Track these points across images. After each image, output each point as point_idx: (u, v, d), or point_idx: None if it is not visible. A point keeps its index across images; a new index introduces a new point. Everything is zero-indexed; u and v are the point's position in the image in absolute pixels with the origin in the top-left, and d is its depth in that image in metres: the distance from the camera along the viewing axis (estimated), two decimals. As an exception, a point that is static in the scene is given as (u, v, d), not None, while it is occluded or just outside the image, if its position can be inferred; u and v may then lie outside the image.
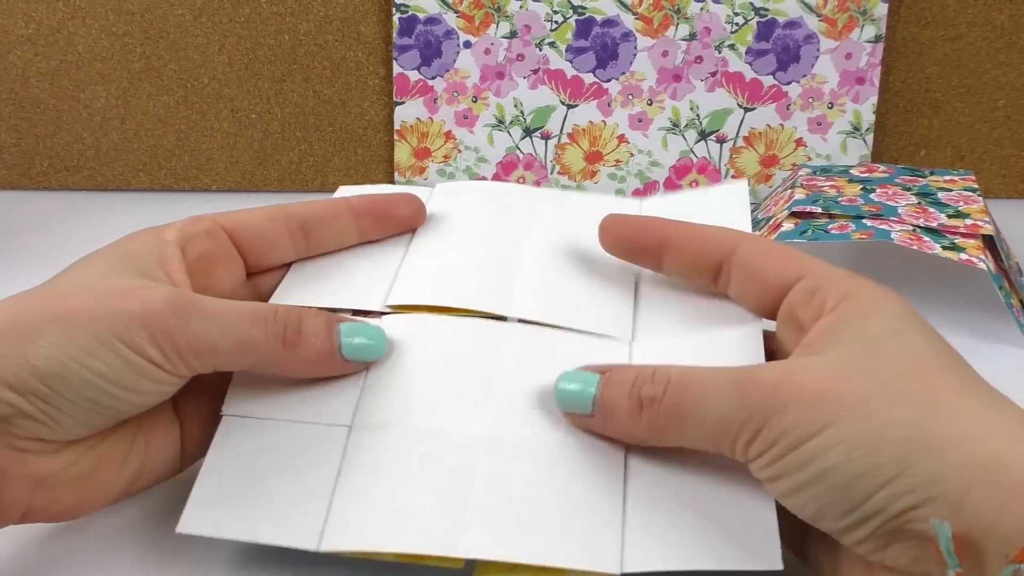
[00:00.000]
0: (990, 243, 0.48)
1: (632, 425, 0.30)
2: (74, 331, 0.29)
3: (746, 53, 0.62)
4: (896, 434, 0.25)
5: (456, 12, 0.61)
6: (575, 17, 0.61)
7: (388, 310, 0.36)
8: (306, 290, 0.37)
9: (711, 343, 0.34)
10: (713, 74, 0.62)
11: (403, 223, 0.38)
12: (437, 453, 0.31)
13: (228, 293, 0.35)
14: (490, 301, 0.36)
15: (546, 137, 0.64)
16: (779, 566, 0.28)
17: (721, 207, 0.39)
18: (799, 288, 0.32)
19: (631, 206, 0.40)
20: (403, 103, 0.63)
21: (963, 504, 0.24)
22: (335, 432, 0.32)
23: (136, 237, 0.35)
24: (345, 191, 0.41)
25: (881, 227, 0.48)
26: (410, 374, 0.33)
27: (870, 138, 0.63)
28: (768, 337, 0.33)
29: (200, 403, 0.34)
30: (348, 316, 0.34)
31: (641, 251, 0.35)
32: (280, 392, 0.33)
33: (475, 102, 0.63)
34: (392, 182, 0.66)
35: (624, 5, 0.61)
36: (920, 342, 0.28)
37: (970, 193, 0.51)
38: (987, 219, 0.48)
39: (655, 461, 0.31)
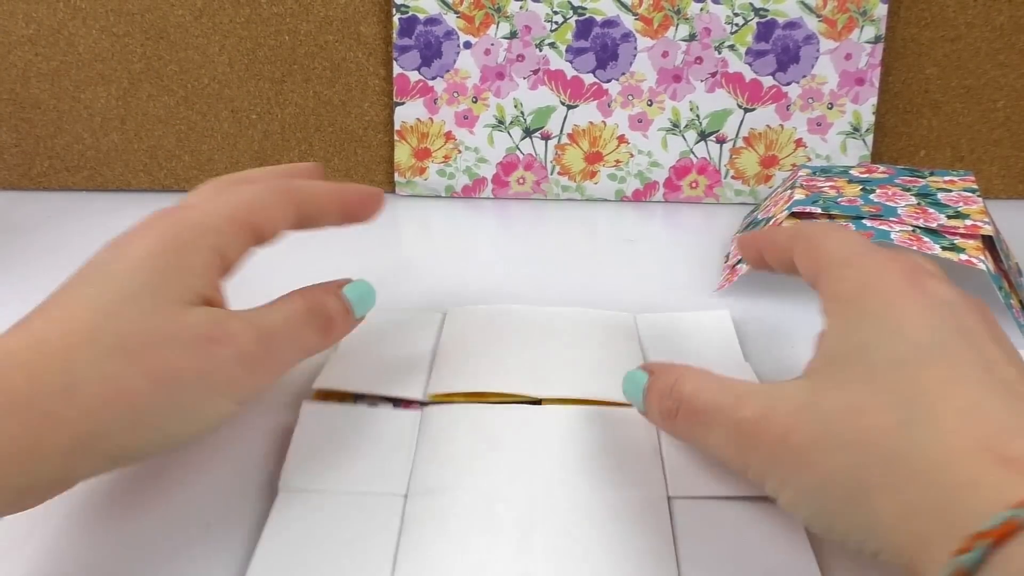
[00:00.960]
0: (990, 244, 0.48)
1: (668, 430, 0.34)
2: (181, 396, 0.30)
3: (746, 54, 0.62)
4: (835, 484, 0.27)
5: (456, 13, 0.61)
6: (575, 18, 0.61)
7: (429, 399, 0.40)
8: (349, 378, 0.41)
9: None
10: (713, 75, 0.62)
11: (369, 217, 0.41)
12: (495, 513, 0.33)
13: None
14: (523, 385, 0.40)
15: (546, 137, 0.64)
16: None
17: (710, 331, 0.46)
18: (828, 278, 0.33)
19: (626, 321, 0.47)
20: (403, 104, 0.63)
21: (907, 547, 0.25)
22: (391, 501, 0.34)
23: (181, 248, 0.33)
24: None
25: (881, 228, 0.48)
26: (458, 449, 0.37)
27: (870, 139, 0.63)
28: None
29: None
30: (345, 280, 0.38)
31: (777, 263, 0.38)
32: (334, 465, 0.36)
33: (475, 103, 0.63)
34: (392, 182, 0.66)
35: (624, 6, 0.61)
36: (923, 376, 0.27)
37: (970, 194, 0.51)
38: (987, 220, 0.48)
39: (699, 514, 0.34)
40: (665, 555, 0.32)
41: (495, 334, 0.45)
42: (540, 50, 0.62)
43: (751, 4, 0.61)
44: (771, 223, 0.52)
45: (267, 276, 0.55)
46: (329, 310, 0.36)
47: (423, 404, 0.40)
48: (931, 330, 0.28)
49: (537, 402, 0.40)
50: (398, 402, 0.40)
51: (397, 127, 0.64)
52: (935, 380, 0.26)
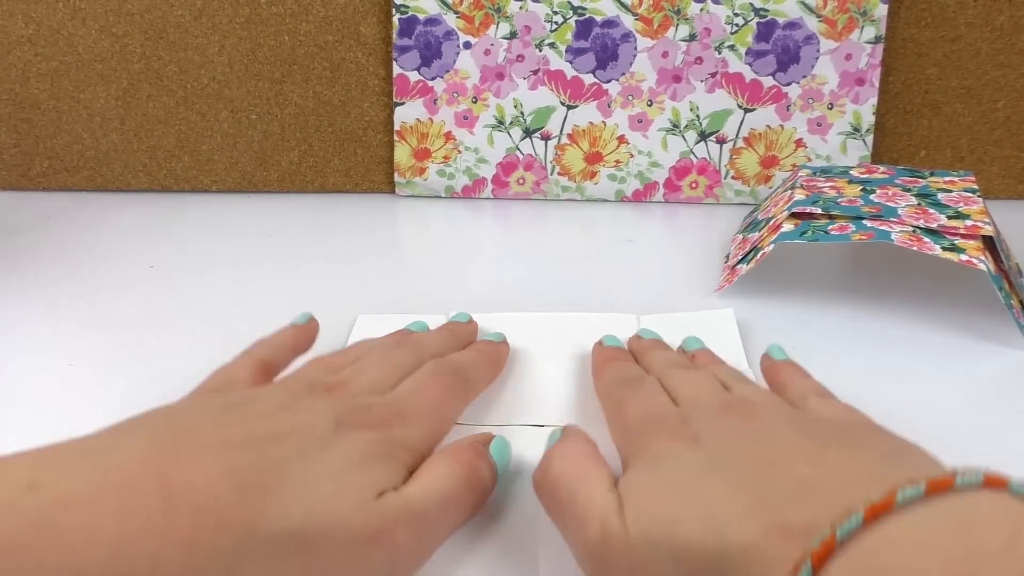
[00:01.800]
0: (990, 244, 0.48)
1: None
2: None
3: (746, 54, 0.62)
4: None
5: (456, 13, 0.61)
6: (575, 18, 0.61)
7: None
8: None
9: None
10: (713, 75, 0.62)
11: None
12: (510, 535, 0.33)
13: None
14: (524, 416, 0.41)
15: (546, 138, 0.64)
16: None
17: (714, 330, 0.46)
18: None
19: (630, 324, 0.47)
20: (403, 104, 0.63)
21: None
22: None
23: (386, 449, 0.32)
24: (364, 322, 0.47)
25: (881, 228, 0.48)
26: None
27: (870, 139, 0.63)
28: None
29: None
30: (490, 435, 0.36)
31: None
32: None
33: (475, 103, 0.63)
34: (392, 183, 0.66)
35: (624, 6, 0.61)
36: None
37: (970, 194, 0.51)
38: (987, 220, 0.48)
39: None
40: None
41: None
42: (540, 50, 0.62)
43: (751, 4, 0.61)
44: (771, 223, 0.52)
45: (270, 274, 0.55)
46: (483, 478, 0.33)
47: None
48: (707, 437, 0.31)
49: None
50: None
51: (397, 127, 0.64)
52: (719, 481, 0.28)
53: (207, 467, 0.27)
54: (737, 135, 0.63)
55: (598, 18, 0.61)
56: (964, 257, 0.46)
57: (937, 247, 0.46)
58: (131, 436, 0.28)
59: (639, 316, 0.48)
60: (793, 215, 0.51)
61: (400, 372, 0.37)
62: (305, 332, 0.41)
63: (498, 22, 0.62)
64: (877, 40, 0.61)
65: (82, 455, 0.26)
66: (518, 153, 0.64)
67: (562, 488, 0.31)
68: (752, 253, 0.52)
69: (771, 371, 0.39)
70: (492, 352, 0.43)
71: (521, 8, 0.61)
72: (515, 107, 0.63)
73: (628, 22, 0.61)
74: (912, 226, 0.48)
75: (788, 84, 0.62)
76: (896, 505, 0.23)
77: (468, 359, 0.41)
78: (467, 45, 0.62)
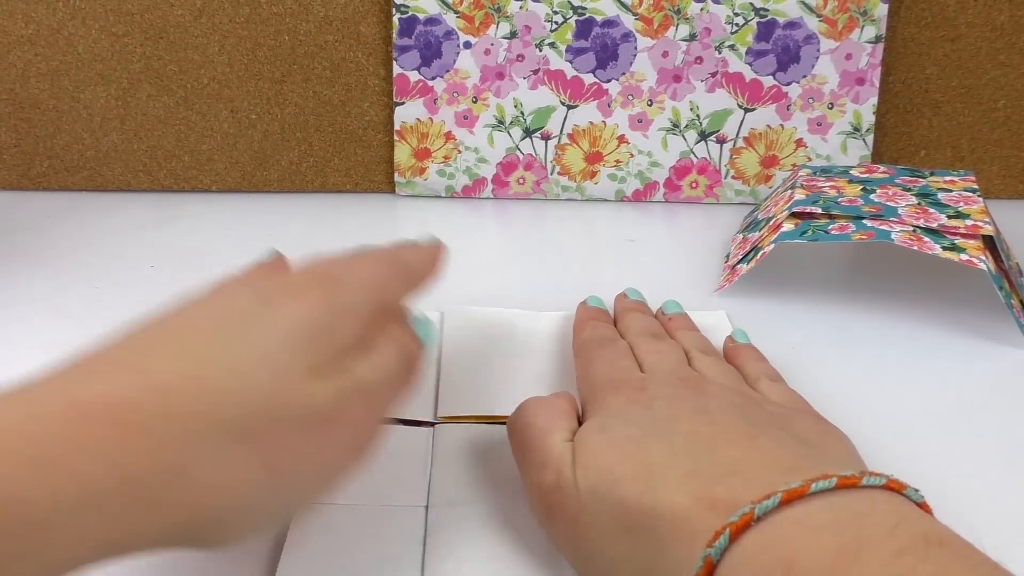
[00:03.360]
0: (990, 243, 0.48)
1: None
2: (289, 486, 0.29)
3: (746, 54, 0.62)
4: (621, 571, 0.30)
5: (456, 12, 0.61)
6: (575, 18, 0.61)
7: (439, 420, 0.40)
8: None
9: None
10: (713, 74, 0.62)
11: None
12: (518, 524, 0.34)
13: None
14: None
15: (546, 137, 0.64)
16: None
17: (708, 331, 0.46)
18: None
19: None
20: (403, 104, 0.63)
21: None
22: (413, 512, 0.35)
23: (331, 322, 0.30)
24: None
25: (881, 227, 0.48)
26: (474, 466, 0.37)
27: (870, 139, 0.63)
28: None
29: None
30: (413, 311, 0.35)
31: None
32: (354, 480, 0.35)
33: (475, 103, 0.63)
34: (392, 183, 0.66)
35: (624, 5, 0.61)
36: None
37: (970, 194, 0.51)
38: (987, 220, 0.48)
39: None
40: None
41: (499, 345, 0.45)
42: (540, 50, 0.62)
43: (751, 4, 0.61)
44: (771, 223, 0.52)
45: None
46: (413, 353, 0.33)
47: (433, 424, 0.40)
48: (650, 410, 0.33)
49: None
50: (407, 422, 0.40)
51: (397, 127, 0.64)
52: (662, 449, 0.31)
53: (121, 380, 0.26)
54: (737, 135, 0.63)
55: (598, 18, 0.61)
56: (964, 257, 0.46)
57: (937, 247, 0.46)
58: (51, 372, 0.27)
59: None
60: (793, 215, 0.51)
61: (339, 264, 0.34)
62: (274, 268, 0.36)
63: (498, 22, 0.62)
64: (877, 40, 0.61)
65: (3, 397, 0.25)
66: (518, 153, 0.64)
67: (528, 434, 0.34)
68: (752, 253, 0.52)
69: (732, 352, 0.42)
70: (430, 250, 0.38)
71: (521, 8, 0.61)
72: (515, 107, 0.63)
73: (628, 22, 0.61)
74: (912, 226, 0.48)
75: (788, 84, 0.62)
76: (809, 493, 0.26)
77: (405, 251, 0.37)
78: (467, 45, 0.62)
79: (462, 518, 0.34)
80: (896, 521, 0.25)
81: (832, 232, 0.48)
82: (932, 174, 0.54)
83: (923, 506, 0.28)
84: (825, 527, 0.25)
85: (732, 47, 0.62)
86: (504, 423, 0.39)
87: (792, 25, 0.61)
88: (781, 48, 0.61)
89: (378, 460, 0.36)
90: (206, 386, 0.26)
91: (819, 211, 0.50)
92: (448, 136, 0.64)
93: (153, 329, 0.29)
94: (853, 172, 0.56)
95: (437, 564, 0.32)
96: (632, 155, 0.64)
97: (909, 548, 0.24)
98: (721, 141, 0.63)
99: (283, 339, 0.28)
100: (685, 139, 0.63)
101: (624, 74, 0.62)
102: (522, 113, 0.63)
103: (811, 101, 0.62)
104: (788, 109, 0.63)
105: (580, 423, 0.35)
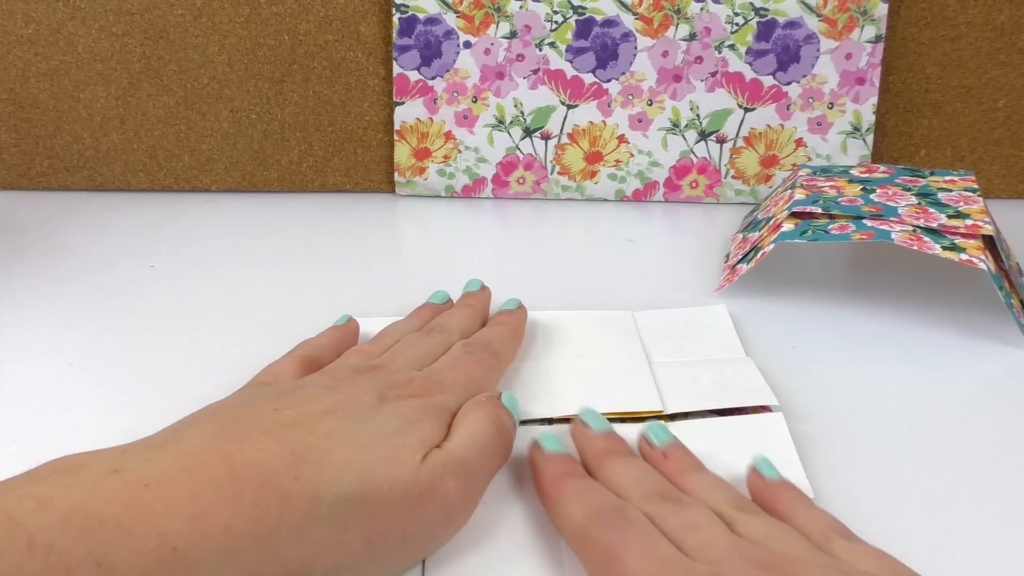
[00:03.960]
0: (990, 243, 0.48)
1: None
2: (384, 554, 0.31)
3: (746, 53, 0.62)
4: None
5: (456, 12, 0.61)
6: (575, 17, 0.61)
7: None
8: None
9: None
10: (713, 74, 0.62)
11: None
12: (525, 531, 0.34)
13: None
14: (532, 409, 0.41)
15: (546, 137, 0.64)
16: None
17: (708, 326, 0.48)
18: None
19: (626, 320, 0.48)
20: (403, 103, 0.63)
21: None
22: None
23: (430, 410, 0.35)
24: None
25: (881, 227, 0.48)
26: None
27: (870, 138, 0.63)
28: None
29: None
30: (493, 393, 0.38)
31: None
32: None
33: (475, 102, 0.63)
34: (392, 182, 0.66)
35: (624, 5, 0.61)
36: None
37: (970, 193, 0.51)
38: (987, 219, 0.48)
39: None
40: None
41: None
42: (540, 50, 0.62)
43: (751, 4, 0.61)
44: (771, 223, 0.52)
45: (270, 274, 0.55)
46: (507, 423, 0.36)
47: None
48: None
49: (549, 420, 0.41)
50: None
51: (397, 127, 0.64)
52: None
53: (266, 446, 0.30)
54: (737, 134, 0.63)
55: (598, 17, 0.61)
56: (964, 256, 0.46)
57: (937, 246, 0.46)
58: (194, 426, 0.31)
59: (634, 313, 0.48)
60: (793, 214, 0.51)
61: (434, 354, 0.41)
62: (345, 332, 0.44)
63: (498, 21, 0.62)
64: (877, 39, 0.61)
65: (155, 446, 0.29)
66: (518, 153, 0.64)
67: (545, 494, 0.34)
68: (752, 253, 0.52)
69: (766, 494, 0.34)
70: (513, 323, 0.45)
71: (521, 7, 0.61)
72: (515, 107, 0.63)
73: (628, 21, 0.61)
74: (912, 225, 0.48)
75: (788, 83, 0.62)
76: None
77: (494, 334, 0.44)
78: (467, 44, 0.62)
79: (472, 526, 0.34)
80: None
81: (832, 232, 0.48)
82: (932, 174, 0.54)
83: None
84: None
85: (732, 47, 0.62)
86: (520, 422, 0.40)
87: (792, 25, 0.61)
88: (781, 48, 0.61)
89: None
90: (333, 458, 0.31)
91: (819, 211, 0.50)
92: (448, 136, 0.64)
93: (291, 410, 0.33)
94: (853, 172, 0.56)
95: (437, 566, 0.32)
96: (632, 155, 0.64)
97: None
98: (721, 141, 0.63)
99: (399, 425, 0.33)
100: (685, 139, 0.63)
101: (624, 74, 0.62)
102: (522, 113, 0.63)
103: (811, 101, 0.62)
104: (788, 109, 0.63)
105: None
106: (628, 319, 0.48)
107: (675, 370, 0.44)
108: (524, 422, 0.40)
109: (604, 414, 0.38)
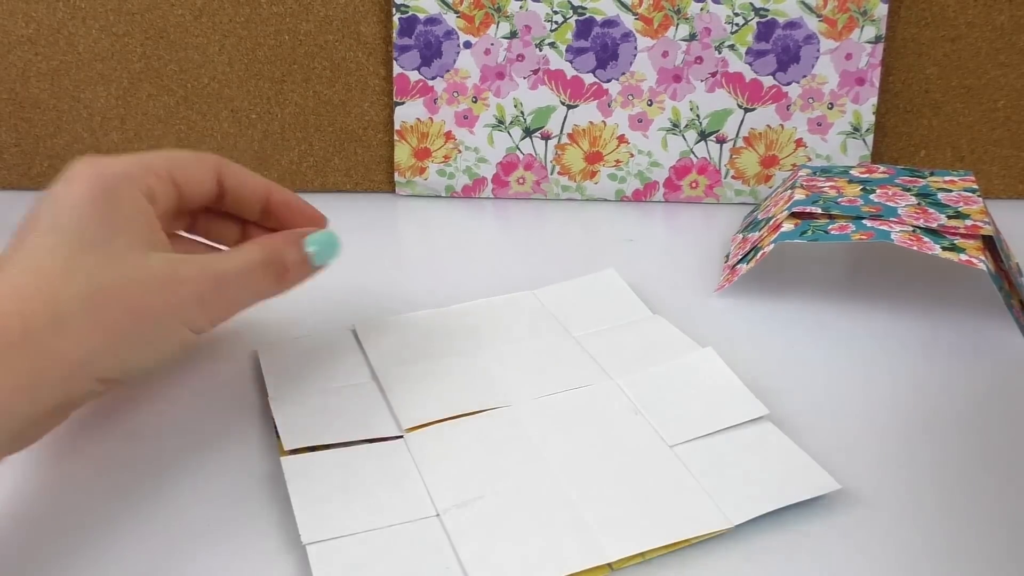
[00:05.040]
0: (990, 244, 0.48)
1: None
2: (154, 327, 0.35)
3: (746, 53, 0.62)
4: None
5: (456, 12, 0.61)
6: (575, 17, 0.61)
7: (405, 432, 0.40)
8: (316, 431, 0.40)
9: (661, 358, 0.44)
10: (713, 74, 0.62)
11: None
12: (539, 507, 0.35)
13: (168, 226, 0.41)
14: (487, 400, 0.41)
15: (546, 137, 0.64)
16: (836, 486, 0.36)
17: (605, 292, 0.50)
18: None
19: (526, 299, 0.50)
20: (403, 103, 0.63)
21: None
22: (429, 523, 0.35)
23: (116, 195, 0.37)
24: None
25: (881, 228, 0.48)
26: (465, 463, 0.37)
27: (870, 139, 0.63)
28: None
29: None
30: (309, 229, 0.42)
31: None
32: (349, 507, 0.35)
33: (475, 102, 0.63)
34: (392, 182, 0.66)
35: (624, 5, 0.61)
36: None
37: (970, 194, 0.51)
38: (987, 220, 0.48)
39: (701, 451, 0.38)
40: (691, 486, 0.36)
41: (424, 347, 0.45)
42: (540, 50, 0.62)
43: (751, 4, 0.61)
44: (771, 223, 0.52)
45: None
46: (286, 261, 0.40)
47: (401, 437, 0.40)
48: None
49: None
50: (374, 441, 0.40)
51: (397, 127, 0.64)
52: None
53: None
54: (737, 135, 0.63)
55: (598, 18, 0.61)
56: (964, 257, 0.46)
57: (937, 247, 0.46)
58: None
59: (535, 291, 0.50)
60: (793, 215, 0.51)
61: None
62: None
63: (498, 22, 0.62)
64: (877, 40, 0.61)
65: None
66: (518, 153, 0.64)
67: None
68: (752, 253, 0.52)
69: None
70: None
71: (521, 8, 0.61)
72: (515, 107, 0.63)
73: (628, 22, 0.61)
74: (912, 226, 0.48)
75: (788, 84, 0.62)
76: None
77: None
78: (467, 45, 0.62)
79: (484, 514, 0.35)
80: None
81: (832, 232, 0.48)
82: (932, 174, 0.54)
83: None
84: None
85: (732, 47, 0.62)
86: (469, 413, 0.40)
87: (792, 25, 0.61)
88: (781, 48, 0.61)
89: (366, 483, 0.36)
90: (50, 272, 0.34)
91: (819, 211, 0.50)
92: (448, 136, 0.64)
93: (9, 251, 0.36)
94: (853, 172, 0.56)
95: (477, 562, 0.32)
96: (632, 155, 0.64)
97: None
98: (721, 141, 0.63)
99: (79, 226, 0.36)
100: (685, 139, 0.63)
101: (624, 74, 0.62)
102: (522, 113, 0.63)
103: (811, 101, 0.62)
104: (788, 109, 0.63)
105: None
106: (532, 298, 0.50)
107: (600, 340, 0.46)
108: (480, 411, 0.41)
109: (553, 395, 0.41)
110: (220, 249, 0.44)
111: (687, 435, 0.39)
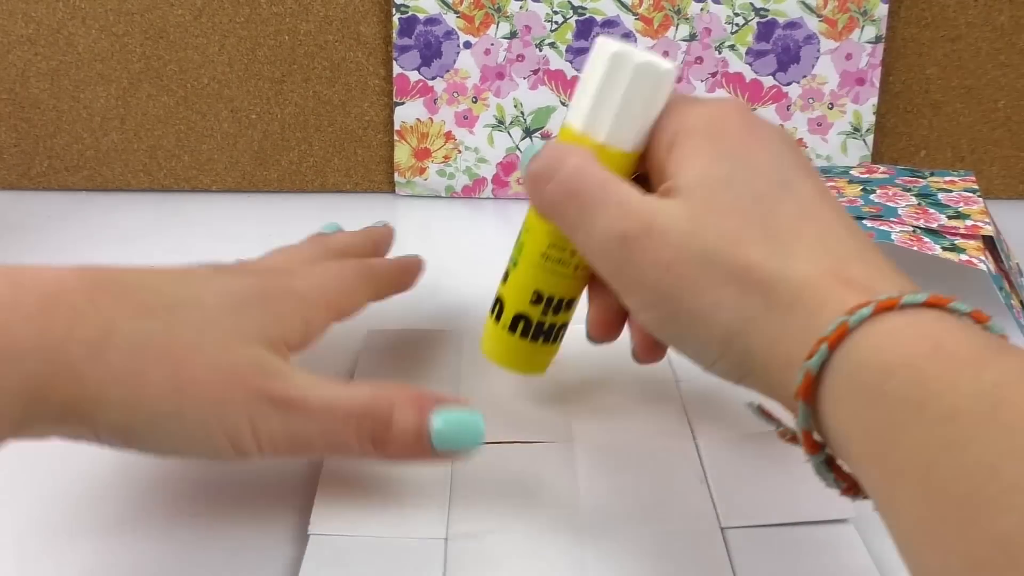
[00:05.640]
0: (990, 244, 0.48)
1: (536, 200, 0.33)
2: (187, 414, 0.29)
3: (746, 54, 0.62)
4: (715, 321, 0.29)
5: (456, 12, 0.61)
6: (575, 18, 0.61)
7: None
8: None
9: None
10: (713, 75, 0.62)
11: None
12: (544, 554, 0.33)
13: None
14: (549, 433, 0.39)
15: (546, 137, 0.64)
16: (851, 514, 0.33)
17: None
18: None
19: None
20: (403, 103, 0.63)
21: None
22: (432, 545, 0.33)
23: (270, 298, 0.33)
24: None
25: (881, 228, 0.48)
26: (494, 491, 0.35)
27: (870, 139, 0.63)
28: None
29: None
30: (444, 396, 0.33)
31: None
32: (365, 509, 0.34)
33: (475, 102, 0.63)
34: (392, 182, 0.65)
35: (624, 6, 0.61)
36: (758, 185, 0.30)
37: (970, 194, 0.51)
38: (987, 220, 0.48)
39: (754, 543, 0.33)
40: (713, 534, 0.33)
41: (429, 363, 0.44)
42: (540, 50, 0.62)
43: (751, 4, 0.61)
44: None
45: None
46: (392, 423, 0.31)
47: None
48: (779, 168, 0.30)
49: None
50: None
51: (397, 127, 0.64)
52: (788, 215, 0.29)
53: (60, 270, 0.30)
54: (737, 135, 0.63)
55: (598, 18, 0.61)
56: (964, 257, 0.46)
57: (937, 247, 0.46)
58: None
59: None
60: (793, 215, 0.51)
61: (299, 260, 0.39)
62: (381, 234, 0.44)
63: (498, 22, 0.62)
64: (877, 40, 0.61)
65: None
66: (518, 153, 0.64)
67: (586, 181, 0.31)
68: (752, 253, 0.52)
69: None
70: (406, 262, 0.43)
71: (521, 8, 0.61)
72: (515, 107, 0.63)
73: (628, 22, 0.61)
74: (912, 226, 0.48)
75: (788, 84, 0.62)
76: (949, 307, 0.26)
77: (379, 260, 0.42)
78: (467, 45, 0.62)
79: (485, 550, 0.33)
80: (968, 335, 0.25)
81: (832, 232, 0.48)
82: (932, 174, 0.54)
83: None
84: (965, 328, 0.25)
85: (732, 47, 0.62)
86: (521, 441, 0.38)
87: (792, 25, 0.61)
88: (781, 48, 0.61)
89: (391, 490, 0.35)
90: (135, 299, 0.30)
91: (819, 211, 0.50)
92: (448, 136, 0.64)
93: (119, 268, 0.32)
94: (853, 172, 0.55)
95: None
96: (632, 155, 0.64)
97: None
98: (721, 141, 0.63)
99: (227, 302, 0.32)
100: (685, 139, 0.63)
101: (624, 74, 0.62)
102: (522, 113, 0.63)
103: (811, 101, 0.62)
104: (788, 109, 0.63)
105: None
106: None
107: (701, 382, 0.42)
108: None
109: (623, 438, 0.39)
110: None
111: (744, 520, 0.34)
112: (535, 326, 0.37)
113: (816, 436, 0.26)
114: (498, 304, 0.38)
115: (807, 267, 0.27)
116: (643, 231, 0.29)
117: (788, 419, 0.29)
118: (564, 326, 0.38)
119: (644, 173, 0.34)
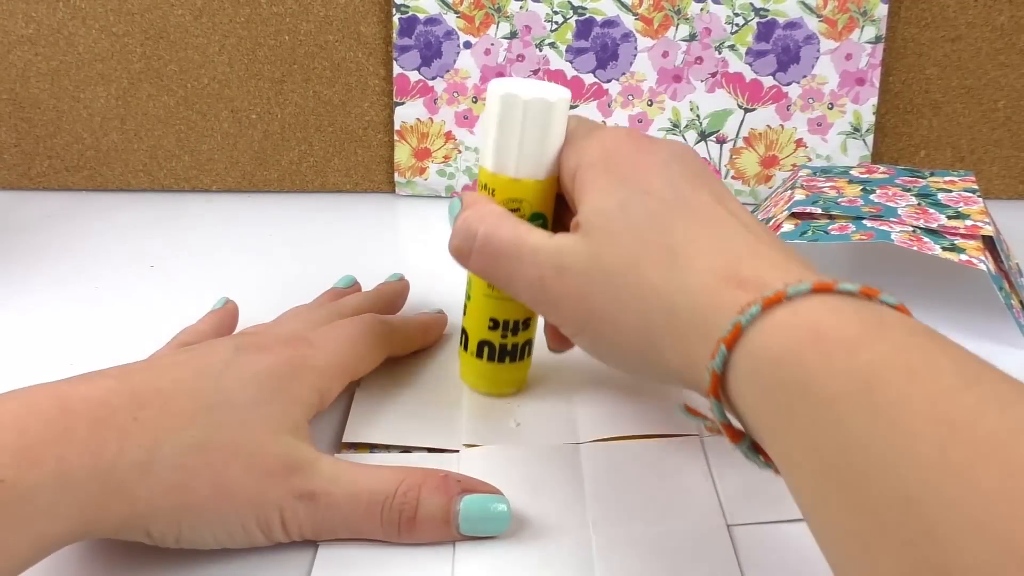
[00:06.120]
0: (990, 244, 0.48)
1: (465, 267, 0.36)
2: (226, 514, 0.31)
3: (746, 54, 0.62)
4: (629, 341, 0.31)
5: (456, 12, 0.61)
6: (575, 18, 0.61)
7: (462, 448, 0.39)
8: (380, 429, 0.39)
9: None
10: (713, 75, 0.62)
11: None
12: (549, 553, 0.33)
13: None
14: (553, 434, 0.39)
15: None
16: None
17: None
18: None
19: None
20: (403, 103, 0.63)
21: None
22: (440, 550, 0.33)
23: (291, 377, 0.35)
24: None
25: (881, 228, 0.48)
26: (505, 492, 0.35)
27: (870, 139, 0.63)
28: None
29: None
30: (470, 480, 0.34)
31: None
32: (374, 558, 0.34)
33: (475, 102, 0.63)
34: (392, 182, 0.66)
35: (624, 6, 0.61)
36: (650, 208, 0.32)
37: (970, 194, 0.51)
38: (987, 220, 0.48)
39: (761, 540, 0.33)
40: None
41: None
42: (540, 50, 0.62)
43: (751, 4, 0.61)
44: (771, 223, 0.52)
45: (269, 274, 0.55)
46: (419, 507, 0.33)
47: (457, 452, 0.39)
48: (671, 185, 0.32)
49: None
50: (433, 451, 0.39)
51: (397, 127, 0.64)
52: (683, 229, 0.31)
53: (104, 384, 0.31)
54: (737, 135, 0.63)
55: (598, 18, 0.61)
56: (964, 257, 0.46)
57: (937, 247, 0.46)
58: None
59: None
60: (793, 215, 0.51)
61: (316, 325, 0.40)
62: (224, 315, 0.44)
63: (498, 22, 0.62)
64: (877, 40, 0.61)
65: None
66: (518, 153, 0.64)
67: (499, 245, 0.34)
68: (752, 253, 0.52)
69: None
70: (426, 319, 0.45)
71: (521, 8, 0.61)
72: (515, 107, 0.63)
73: (628, 22, 0.61)
74: (912, 226, 0.48)
75: (788, 84, 0.62)
76: (837, 290, 0.27)
77: (395, 317, 0.44)
78: (467, 45, 0.62)
79: (494, 550, 0.33)
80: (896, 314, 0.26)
81: (832, 232, 0.48)
82: (932, 174, 0.54)
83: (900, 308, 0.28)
84: (847, 311, 0.26)
85: (732, 47, 0.62)
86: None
87: (792, 25, 0.61)
88: (781, 48, 0.61)
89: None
90: (175, 408, 0.31)
91: (819, 211, 0.50)
92: (448, 136, 0.64)
93: (145, 361, 0.34)
94: (853, 172, 0.55)
95: None
96: (632, 155, 0.64)
97: (921, 330, 0.26)
98: (721, 141, 0.63)
99: (252, 393, 0.33)
100: (685, 139, 0.63)
101: (624, 74, 0.62)
102: (522, 113, 0.63)
103: (811, 101, 0.62)
104: (788, 109, 0.63)
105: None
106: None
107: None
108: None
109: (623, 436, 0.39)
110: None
111: (751, 518, 0.34)
112: (499, 349, 0.39)
113: (737, 425, 0.28)
114: (464, 335, 0.40)
115: (702, 277, 0.29)
116: (555, 273, 0.32)
117: None
118: (528, 343, 0.40)
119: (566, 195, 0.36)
